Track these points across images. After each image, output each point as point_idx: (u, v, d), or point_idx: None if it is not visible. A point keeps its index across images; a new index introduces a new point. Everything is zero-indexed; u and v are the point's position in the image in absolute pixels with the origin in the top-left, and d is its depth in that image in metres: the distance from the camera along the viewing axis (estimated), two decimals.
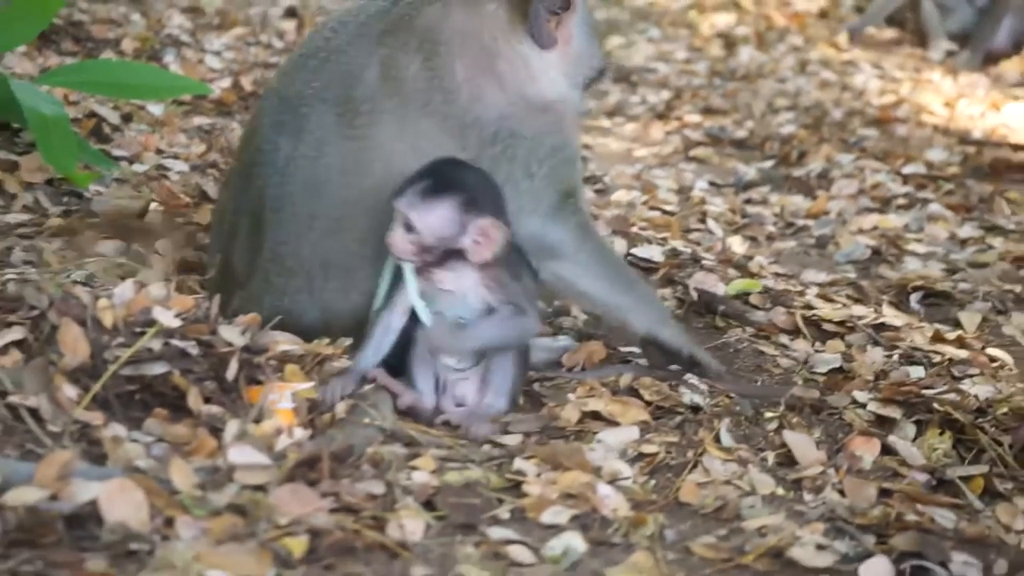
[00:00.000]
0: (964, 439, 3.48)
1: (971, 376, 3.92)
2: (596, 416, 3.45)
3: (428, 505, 2.86)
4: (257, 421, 3.05)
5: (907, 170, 6.93)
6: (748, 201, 6.38)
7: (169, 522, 2.58)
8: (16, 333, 3.08)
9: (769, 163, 7.18)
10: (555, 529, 2.84)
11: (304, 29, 8.72)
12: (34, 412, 2.93)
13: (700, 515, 3.04)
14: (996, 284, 5.12)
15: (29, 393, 2.95)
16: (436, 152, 3.41)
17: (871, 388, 3.72)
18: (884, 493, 3.17)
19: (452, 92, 3.52)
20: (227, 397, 3.16)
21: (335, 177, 3.46)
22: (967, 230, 5.98)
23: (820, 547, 2.86)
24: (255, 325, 3.36)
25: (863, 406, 3.61)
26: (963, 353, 4.12)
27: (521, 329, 3.44)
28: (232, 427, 2.97)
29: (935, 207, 6.29)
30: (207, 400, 3.13)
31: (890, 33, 11.23)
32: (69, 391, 2.99)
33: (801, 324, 4.28)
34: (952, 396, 3.63)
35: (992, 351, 4.22)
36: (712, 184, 6.64)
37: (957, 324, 4.59)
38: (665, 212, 5.87)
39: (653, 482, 3.18)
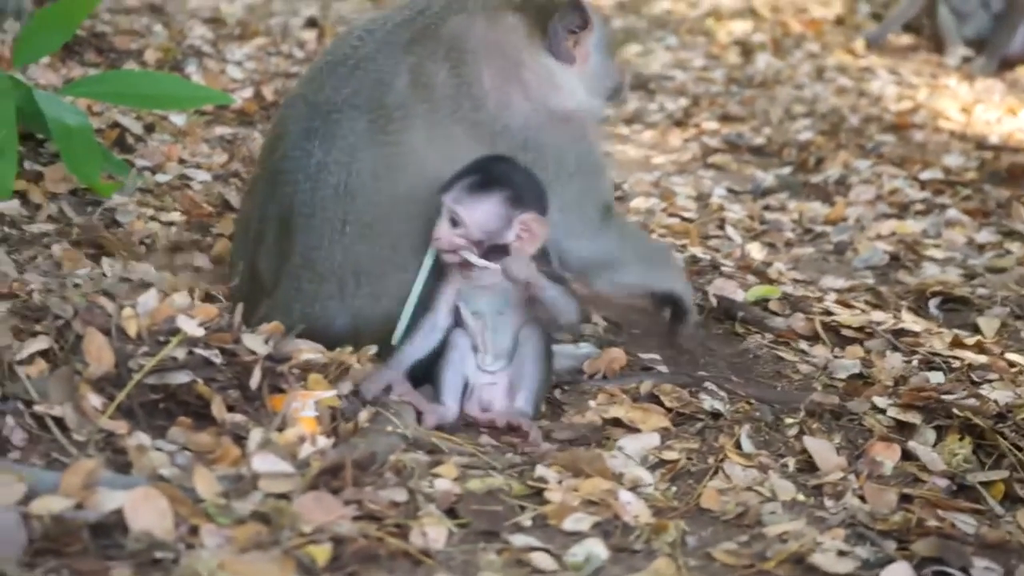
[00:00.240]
0: (984, 444, 3.49)
1: (990, 381, 3.92)
2: (617, 423, 3.47)
3: (451, 512, 2.88)
4: (280, 429, 3.07)
5: (924, 176, 6.92)
6: (766, 207, 6.38)
7: (194, 530, 2.59)
8: (41, 342, 3.10)
9: (787, 169, 7.17)
10: (577, 536, 2.85)
11: (324, 39, 8.74)
12: (59, 421, 2.95)
13: (721, 521, 3.05)
14: (1014, 289, 5.11)
15: (54, 402, 2.97)
16: (468, 158, 3.46)
17: (891, 394, 3.73)
18: (905, 499, 3.17)
19: (480, 99, 3.58)
20: (250, 405, 3.18)
21: (368, 182, 3.49)
22: (985, 235, 5.97)
23: (841, 553, 2.86)
24: (278, 334, 3.38)
25: (883, 412, 3.61)
26: (982, 358, 4.12)
27: (569, 304, 3.47)
28: (256, 435, 2.99)
29: (953, 212, 6.28)
30: (231, 409, 3.14)
31: (907, 39, 11.21)
32: (94, 400, 3.01)
33: (820, 330, 4.29)
34: (972, 401, 3.63)
35: (1011, 356, 4.22)
36: (730, 191, 6.64)
37: (976, 329, 4.59)
38: (684, 219, 5.88)
39: (674, 489, 3.19)
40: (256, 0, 10.61)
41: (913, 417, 3.58)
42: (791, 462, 3.36)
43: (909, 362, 4.06)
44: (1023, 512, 3.19)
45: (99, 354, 3.08)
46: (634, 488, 3.09)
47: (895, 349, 4.17)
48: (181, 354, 3.14)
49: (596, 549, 2.78)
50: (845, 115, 8.48)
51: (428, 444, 3.21)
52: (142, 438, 2.95)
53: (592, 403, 3.57)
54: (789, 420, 3.57)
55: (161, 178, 4.78)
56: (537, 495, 3.03)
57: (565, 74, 3.70)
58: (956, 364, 4.05)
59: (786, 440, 3.48)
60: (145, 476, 2.79)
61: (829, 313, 4.44)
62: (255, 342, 3.27)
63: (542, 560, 2.73)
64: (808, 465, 3.36)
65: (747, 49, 10.66)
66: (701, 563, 2.83)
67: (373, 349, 3.44)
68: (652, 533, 2.89)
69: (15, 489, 2.57)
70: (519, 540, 2.80)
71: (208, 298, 3.62)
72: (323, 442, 3.03)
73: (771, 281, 4.84)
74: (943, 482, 3.30)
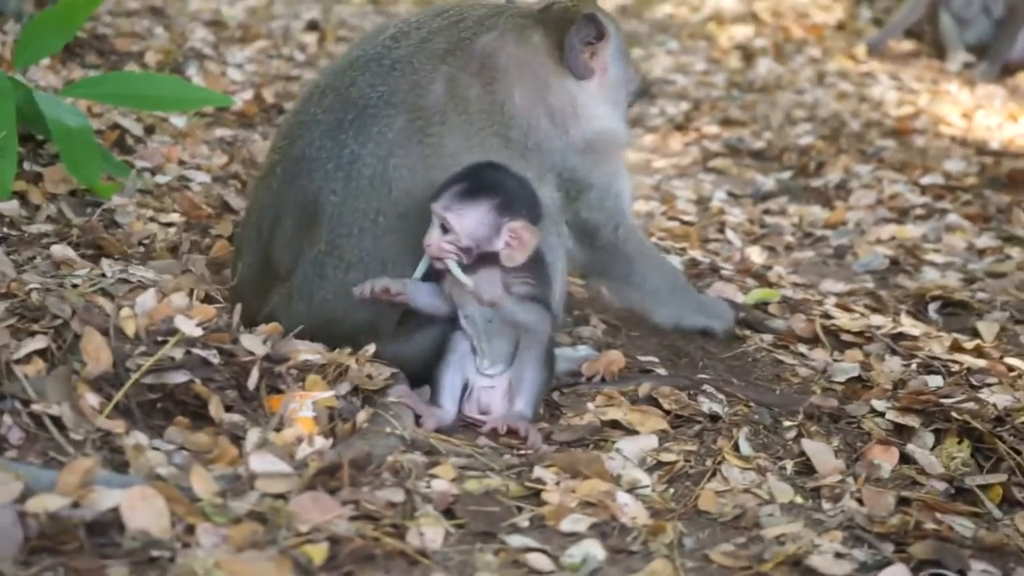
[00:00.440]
0: (982, 448, 3.48)
1: (989, 385, 3.91)
2: (615, 425, 3.47)
3: (448, 513, 2.88)
4: (278, 429, 3.07)
5: (925, 181, 6.93)
6: (766, 211, 6.39)
7: (190, 529, 2.59)
8: (39, 342, 3.11)
9: (787, 174, 7.18)
10: (574, 537, 2.85)
11: (325, 42, 8.76)
12: (57, 420, 2.95)
13: (719, 523, 3.04)
14: (1014, 294, 5.11)
15: (52, 401, 2.97)
16: (502, 163, 3.52)
17: (889, 397, 3.72)
18: (902, 502, 3.17)
19: (512, 118, 3.66)
20: (248, 406, 3.18)
21: (405, 176, 3.51)
22: (985, 240, 5.97)
23: (839, 555, 2.86)
24: (276, 334, 3.38)
25: (881, 415, 3.61)
26: (981, 362, 4.11)
27: (540, 322, 3.47)
28: (253, 435, 2.99)
29: (953, 217, 6.29)
30: (228, 408, 3.15)
31: (908, 45, 11.22)
32: (91, 399, 3.01)
33: (820, 333, 4.29)
34: (970, 405, 3.63)
35: (1010, 360, 4.21)
36: (731, 195, 6.65)
37: (975, 333, 4.59)
38: (684, 222, 5.89)
39: (672, 490, 3.19)
40: (257, 3, 10.64)
41: (911, 420, 3.58)
42: (789, 465, 3.36)
43: (908, 366, 4.06)
44: (1021, 515, 3.19)
45: (97, 353, 3.08)
46: (632, 490, 3.09)
47: (894, 353, 4.17)
48: (179, 354, 3.15)
49: (593, 550, 2.78)
50: (846, 120, 8.49)
51: (426, 445, 3.21)
52: (139, 437, 2.96)
53: (590, 405, 3.57)
54: (787, 423, 3.57)
55: (161, 179, 4.78)
56: (535, 496, 3.03)
57: (587, 97, 3.78)
58: (955, 368, 4.04)
59: (784, 443, 3.47)
60: (142, 475, 2.79)
61: (828, 317, 4.43)
62: (253, 342, 3.27)
63: (539, 561, 2.73)
64: (806, 468, 3.36)
65: (748, 54, 10.68)
66: (698, 565, 2.83)
67: (371, 349, 3.44)
68: (649, 535, 2.89)
69: (12, 487, 2.56)
70: (516, 541, 2.80)
71: (207, 298, 3.61)
72: (321, 442, 3.03)
73: (771, 285, 4.85)
74: (941, 485, 3.30)
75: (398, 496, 2.85)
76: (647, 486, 3.15)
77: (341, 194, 3.52)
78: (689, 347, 4.09)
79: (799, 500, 3.17)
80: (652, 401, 3.59)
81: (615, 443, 3.35)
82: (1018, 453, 3.43)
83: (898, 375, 3.94)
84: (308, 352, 3.37)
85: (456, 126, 3.58)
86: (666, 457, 3.32)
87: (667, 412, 3.54)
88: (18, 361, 3.04)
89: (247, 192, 4.68)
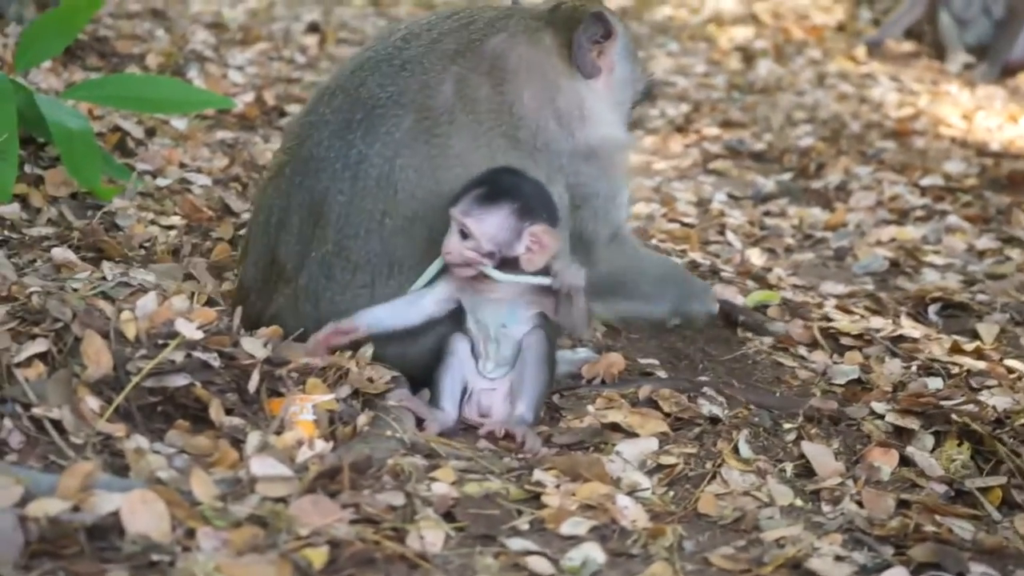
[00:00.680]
0: (982, 450, 3.49)
1: (989, 387, 3.92)
2: (615, 427, 3.47)
3: (448, 516, 2.87)
4: (278, 433, 3.07)
5: (925, 182, 6.93)
6: (767, 213, 6.39)
7: (190, 533, 2.59)
8: (40, 345, 3.11)
9: (787, 175, 7.19)
10: (574, 540, 2.85)
11: (326, 44, 8.76)
12: (57, 424, 2.95)
13: (719, 526, 3.05)
14: (1014, 295, 5.12)
15: (52, 405, 2.97)
16: (509, 164, 3.52)
17: (889, 399, 3.73)
18: (902, 504, 3.17)
19: (520, 118, 3.65)
20: (249, 409, 3.18)
21: (411, 177, 3.51)
22: (985, 242, 5.98)
23: (838, 558, 2.86)
24: (277, 338, 3.39)
25: (881, 417, 3.61)
26: (981, 364, 4.12)
27: (588, 319, 3.52)
28: (253, 439, 3.00)
29: (953, 219, 6.30)
30: (229, 412, 3.15)
31: (908, 46, 11.22)
32: (92, 403, 3.01)
33: (819, 336, 4.29)
34: (970, 407, 3.63)
35: (1010, 362, 4.22)
36: (731, 196, 6.65)
37: (975, 335, 4.59)
38: (684, 224, 5.89)
39: (672, 493, 3.19)
40: (258, 5, 10.65)
41: (911, 423, 3.58)
42: (789, 467, 3.36)
43: (908, 368, 4.06)
44: (1020, 518, 3.19)
45: (97, 357, 3.08)
46: (632, 492, 3.09)
47: (894, 355, 4.18)
48: (179, 357, 3.15)
49: (593, 553, 2.78)
50: (846, 121, 8.50)
51: (426, 448, 3.21)
52: (140, 441, 2.96)
53: (590, 408, 3.56)
54: (787, 425, 3.57)
55: (162, 182, 4.79)
56: (534, 499, 3.02)
57: (594, 101, 3.78)
58: (955, 370, 4.05)
59: (784, 445, 3.48)
60: (142, 479, 2.79)
61: (828, 319, 4.44)
62: (253, 345, 3.27)
63: (539, 564, 2.73)
64: (806, 470, 3.36)
65: (748, 55, 10.68)
66: (698, 568, 2.83)
67: (369, 351, 3.44)
68: (649, 538, 2.89)
69: (12, 491, 2.56)
70: (516, 544, 2.80)
71: (207, 302, 3.62)
72: (321, 446, 3.03)
73: (771, 287, 4.85)
74: (941, 488, 3.30)
75: (398, 499, 2.85)
76: (647, 489, 3.15)
77: (348, 194, 3.52)
78: (689, 349, 4.09)
79: (799, 503, 3.18)
80: (652, 404, 3.59)
81: (615, 446, 3.35)
82: (1018, 455, 3.43)
83: (898, 377, 3.95)
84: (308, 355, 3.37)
85: (464, 126, 3.58)
86: (666, 460, 3.32)
87: (667, 415, 3.54)
88: (19, 364, 3.04)
89: (252, 193, 4.68)
